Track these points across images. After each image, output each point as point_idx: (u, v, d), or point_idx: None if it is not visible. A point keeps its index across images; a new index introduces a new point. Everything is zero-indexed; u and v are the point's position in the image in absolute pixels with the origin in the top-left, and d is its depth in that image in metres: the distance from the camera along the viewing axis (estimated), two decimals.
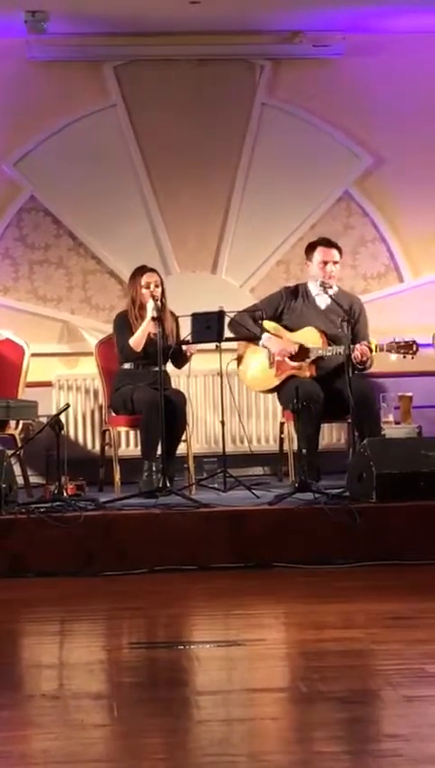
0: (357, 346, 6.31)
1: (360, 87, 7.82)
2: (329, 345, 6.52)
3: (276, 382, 6.62)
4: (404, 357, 6.43)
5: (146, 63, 7.74)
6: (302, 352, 6.54)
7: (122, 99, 7.75)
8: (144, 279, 6.69)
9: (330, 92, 7.81)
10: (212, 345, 6.49)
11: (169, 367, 6.77)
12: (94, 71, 7.74)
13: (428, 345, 7.38)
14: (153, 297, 6.55)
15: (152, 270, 6.76)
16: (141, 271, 6.74)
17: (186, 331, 6.57)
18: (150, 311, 6.49)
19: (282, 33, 7.70)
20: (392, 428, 6.74)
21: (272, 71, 7.80)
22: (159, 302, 6.52)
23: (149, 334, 6.53)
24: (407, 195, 7.84)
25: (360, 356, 6.30)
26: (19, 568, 5.47)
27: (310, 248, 6.76)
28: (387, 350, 6.41)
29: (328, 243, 6.76)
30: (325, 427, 7.20)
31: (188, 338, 6.50)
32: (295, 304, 6.72)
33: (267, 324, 6.61)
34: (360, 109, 7.82)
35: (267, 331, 6.58)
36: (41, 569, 5.44)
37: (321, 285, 6.57)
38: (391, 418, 6.87)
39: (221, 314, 6.37)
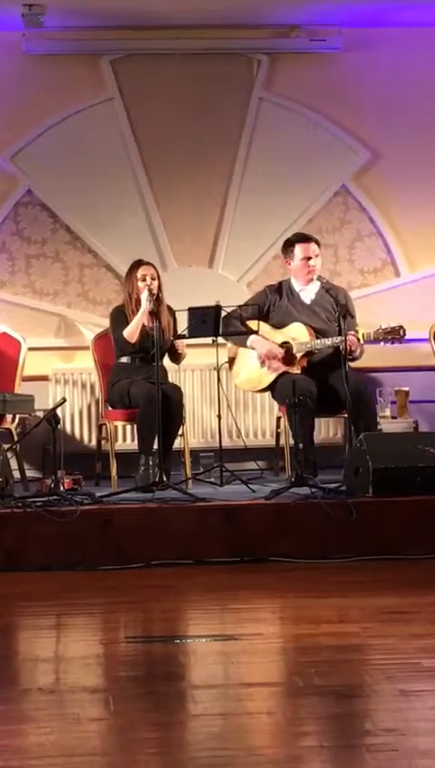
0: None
1: (357, 81, 7.81)
2: (317, 339, 6.50)
3: (271, 379, 6.59)
4: (392, 343, 6.37)
5: (143, 57, 7.73)
6: (288, 353, 6.51)
7: (119, 93, 7.74)
8: (140, 272, 6.68)
9: (327, 87, 7.81)
10: (208, 339, 6.48)
11: (167, 361, 6.77)
12: (91, 64, 7.74)
13: (424, 340, 7.38)
14: (149, 289, 6.54)
15: (148, 263, 6.75)
16: (137, 265, 6.73)
17: (183, 325, 6.56)
18: (144, 302, 6.47)
19: (279, 28, 7.69)
20: (389, 423, 6.74)
21: (269, 65, 7.79)
22: (154, 294, 6.51)
23: (144, 327, 6.52)
24: (404, 190, 7.84)
25: (348, 346, 6.27)
26: (15, 562, 5.46)
27: (287, 246, 6.69)
28: (374, 339, 6.36)
29: (305, 238, 6.70)
30: (322, 422, 7.20)
31: (185, 332, 6.49)
32: (281, 302, 6.69)
33: (256, 324, 6.55)
34: (357, 103, 7.82)
35: (253, 332, 6.53)
36: (37, 563, 5.44)
37: (317, 280, 6.54)
38: (387, 413, 6.86)
39: (218, 309, 6.35)
